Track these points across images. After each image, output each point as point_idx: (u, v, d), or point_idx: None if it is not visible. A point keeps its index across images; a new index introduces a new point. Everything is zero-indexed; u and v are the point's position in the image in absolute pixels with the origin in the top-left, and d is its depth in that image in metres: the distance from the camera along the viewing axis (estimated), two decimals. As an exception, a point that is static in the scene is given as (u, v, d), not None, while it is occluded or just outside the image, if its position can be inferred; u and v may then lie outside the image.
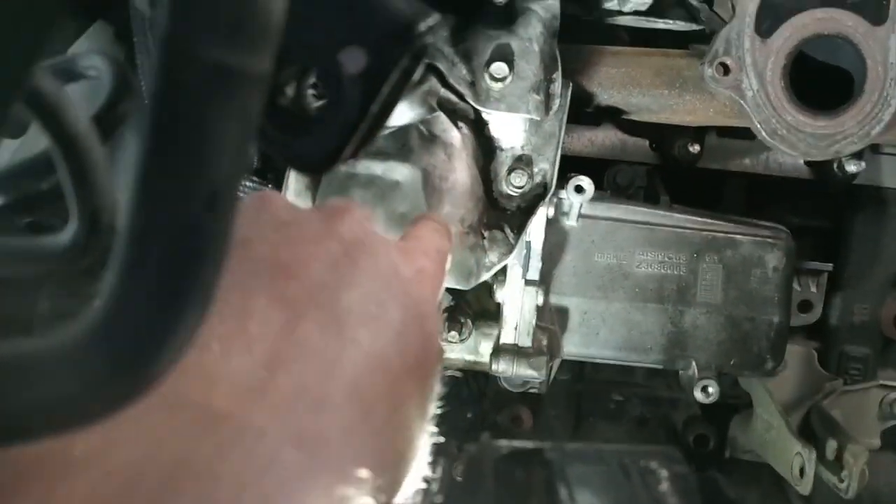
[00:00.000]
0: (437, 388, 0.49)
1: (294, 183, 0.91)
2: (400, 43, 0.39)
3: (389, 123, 0.91)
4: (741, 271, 1.08)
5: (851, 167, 1.21)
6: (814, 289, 1.30)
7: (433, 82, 0.90)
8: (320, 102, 0.40)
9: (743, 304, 1.08)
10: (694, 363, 1.07)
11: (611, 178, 1.24)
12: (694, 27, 1.05)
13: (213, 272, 0.29)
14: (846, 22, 0.98)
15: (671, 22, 1.05)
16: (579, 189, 1.00)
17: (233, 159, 0.26)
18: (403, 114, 0.90)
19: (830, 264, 1.28)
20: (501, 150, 0.97)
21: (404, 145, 0.91)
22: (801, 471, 1.09)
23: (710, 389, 1.06)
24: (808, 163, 1.26)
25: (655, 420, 1.41)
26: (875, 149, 1.24)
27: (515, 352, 1.00)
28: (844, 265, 1.32)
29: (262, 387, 0.37)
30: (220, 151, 0.26)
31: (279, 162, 0.89)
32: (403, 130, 0.91)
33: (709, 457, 1.36)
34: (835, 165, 1.22)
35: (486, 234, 0.95)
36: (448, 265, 0.56)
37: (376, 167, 0.90)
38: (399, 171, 0.90)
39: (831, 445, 1.09)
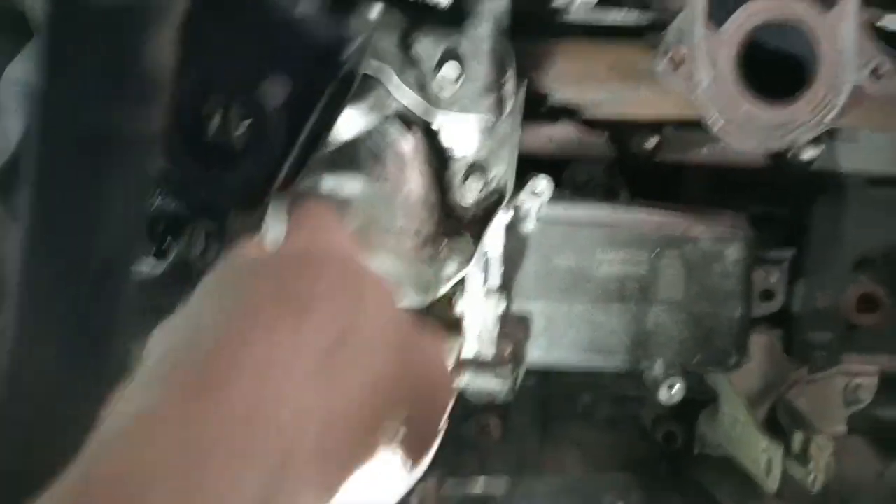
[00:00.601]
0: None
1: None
2: (325, 69, 0.35)
3: (337, 136, 0.87)
4: (702, 266, 1.06)
5: (808, 153, 1.21)
6: (775, 277, 1.28)
7: (381, 90, 0.86)
8: (246, 135, 0.37)
9: (705, 299, 1.06)
10: (658, 362, 1.06)
11: (570, 175, 1.21)
12: (646, 18, 1.03)
13: (116, 343, 0.25)
14: (797, 8, 0.96)
15: (622, 14, 1.02)
16: (537, 192, 0.97)
17: (122, 227, 0.22)
18: (351, 125, 0.85)
19: (791, 252, 1.27)
20: (455, 156, 0.94)
21: (353, 158, 0.87)
22: (769, 467, 1.08)
23: (675, 389, 1.04)
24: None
25: (625, 420, 1.40)
26: (832, 133, 1.22)
27: (479, 364, 0.97)
28: (806, 252, 1.31)
29: None
30: (107, 221, 0.22)
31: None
32: (352, 142, 0.87)
33: (678, 454, 1.35)
34: (792, 152, 1.21)
35: (443, 244, 0.91)
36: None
37: (325, 183, 0.86)
38: (349, 186, 0.86)
39: (798, 438, 1.08)
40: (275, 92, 0.33)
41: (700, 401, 1.32)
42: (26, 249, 0.22)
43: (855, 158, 1.28)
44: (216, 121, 0.35)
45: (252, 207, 0.36)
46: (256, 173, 0.35)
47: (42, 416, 0.30)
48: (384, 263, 0.86)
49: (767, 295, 1.28)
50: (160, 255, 0.77)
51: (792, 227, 1.33)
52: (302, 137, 0.34)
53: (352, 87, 0.38)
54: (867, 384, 1.32)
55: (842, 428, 1.30)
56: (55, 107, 0.20)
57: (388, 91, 0.86)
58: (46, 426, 0.29)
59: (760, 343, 1.26)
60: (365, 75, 0.85)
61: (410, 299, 0.89)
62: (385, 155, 0.87)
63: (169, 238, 0.76)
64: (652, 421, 1.38)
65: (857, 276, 1.35)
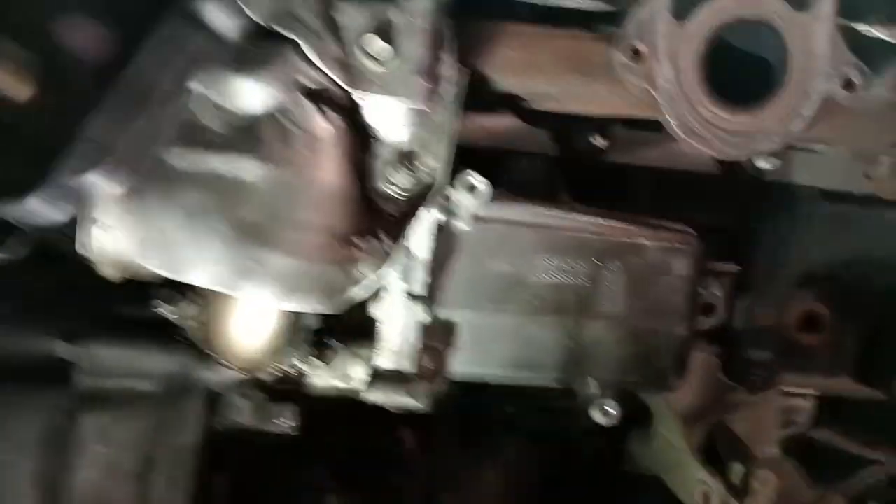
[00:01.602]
0: None
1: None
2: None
3: (235, 106, 0.74)
4: (646, 279, 0.98)
5: (763, 164, 1.13)
6: (718, 291, 1.21)
7: (294, 59, 0.73)
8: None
9: (647, 315, 0.98)
10: (594, 381, 0.97)
11: (508, 171, 1.11)
12: (603, 6, 0.92)
13: None
14: (769, 5, 0.88)
15: (579, -1, 0.91)
16: (471, 188, 0.87)
17: None
18: (254, 96, 0.72)
19: (736, 265, 1.19)
20: (381, 143, 0.82)
21: (255, 136, 0.73)
22: (705, 499, 1.00)
23: (611, 411, 0.96)
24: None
25: (550, 433, 1.31)
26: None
27: (394, 378, 0.86)
28: (751, 266, 1.24)
29: None
30: None
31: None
32: (254, 118, 0.74)
33: (607, 471, 1.27)
34: (746, 161, 1.13)
35: (359, 243, 0.79)
36: None
37: (217, 162, 0.72)
38: (247, 169, 0.73)
39: (737, 470, 1.01)
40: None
41: (631, 416, 1.24)
42: None
43: (809, 171, 1.22)
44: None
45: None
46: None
47: None
48: (282, 263, 0.73)
49: (708, 309, 1.20)
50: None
51: (736, 238, 1.26)
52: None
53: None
54: (804, 407, 1.27)
55: (775, 451, 1.25)
56: None
57: (304, 62, 0.73)
58: None
59: (699, 360, 1.19)
60: (275, 40, 0.72)
61: (313, 306, 0.76)
62: (294, 136, 0.74)
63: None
64: (580, 436, 1.29)
65: (800, 292, 1.29)
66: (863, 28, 0.94)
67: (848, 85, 0.90)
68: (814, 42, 0.88)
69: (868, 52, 0.94)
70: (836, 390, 1.34)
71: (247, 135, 0.73)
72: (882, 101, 1.00)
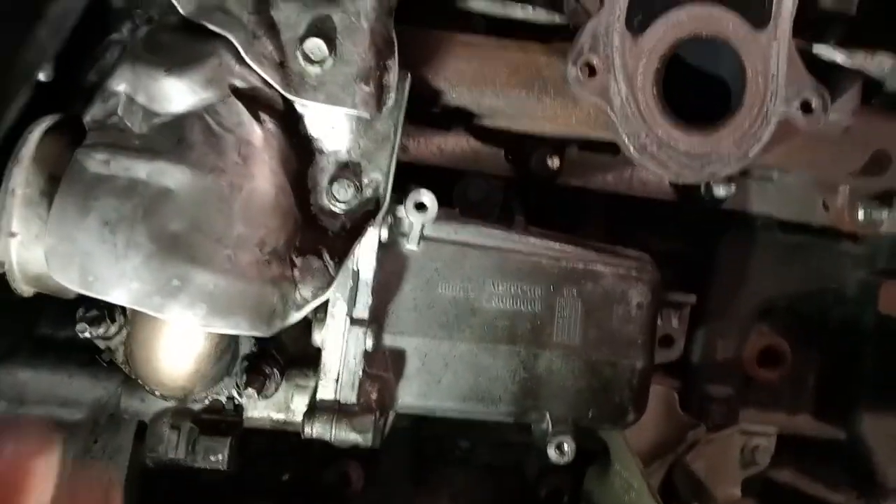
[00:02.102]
0: None
1: (24, 187, 0.67)
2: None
3: (162, 109, 0.68)
4: (602, 308, 0.93)
5: (720, 191, 1.10)
6: (676, 322, 1.17)
7: (225, 58, 0.68)
8: None
9: (604, 345, 0.93)
10: (548, 416, 0.92)
11: (461, 192, 1.06)
12: (557, 19, 0.89)
13: None
14: (726, 22, 0.86)
15: (531, 10, 0.88)
16: (420, 206, 0.82)
17: None
18: (180, 97, 0.67)
19: (694, 296, 1.15)
20: (322, 153, 0.77)
21: (181, 140, 0.68)
22: (666, 543, 0.95)
23: (566, 447, 0.90)
24: (674, 183, 1.13)
25: (506, 469, 1.24)
26: (746, 172, 1.12)
27: (336, 410, 0.80)
28: (708, 297, 1.21)
29: None
30: None
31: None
32: (180, 120, 0.68)
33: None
34: (702, 188, 1.10)
35: (297, 261, 0.74)
36: None
37: (139, 168, 0.66)
38: (172, 175, 0.67)
39: (697, 513, 0.96)
40: None
41: (588, 451, 1.19)
42: None
43: (767, 200, 1.19)
44: None
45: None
46: None
47: None
48: (209, 282, 0.67)
49: (667, 341, 1.16)
50: None
51: (694, 267, 1.23)
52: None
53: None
54: (765, 446, 1.23)
55: (736, 491, 1.20)
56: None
57: (236, 61, 0.68)
58: None
59: (657, 393, 1.14)
60: (207, 38, 0.67)
61: (245, 329, 0.70)
62: (224, 140, 0.68)
63: None
64: (536, 475, 1.23)
65: (759, 325, 1.26)
66: (821, 50, 0.93)
67: (806, 108, 0.87)
68: (772, 61, 0.86)
69: (827, 76, 0.93)
70: (797, 428, 1.31)
71: (172, 138, 0.67)
72: (841, 127, 0.99)
